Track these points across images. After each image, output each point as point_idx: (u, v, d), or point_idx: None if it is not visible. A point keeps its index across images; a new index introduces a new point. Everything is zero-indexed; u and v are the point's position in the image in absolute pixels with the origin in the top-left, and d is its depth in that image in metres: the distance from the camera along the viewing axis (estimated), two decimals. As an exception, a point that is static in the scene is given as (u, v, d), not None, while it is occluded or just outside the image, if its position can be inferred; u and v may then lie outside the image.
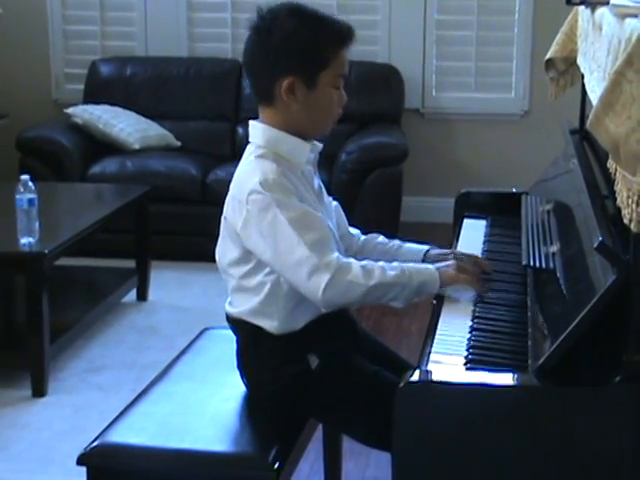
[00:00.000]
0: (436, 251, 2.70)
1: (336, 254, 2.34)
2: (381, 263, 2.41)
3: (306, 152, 2.45)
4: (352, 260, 2.36)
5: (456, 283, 2.48)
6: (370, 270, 2.35)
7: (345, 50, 2.45)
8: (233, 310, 2.53)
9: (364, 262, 2.38)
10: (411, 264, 2.48)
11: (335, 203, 2.70)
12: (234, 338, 2.60)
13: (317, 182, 2.55)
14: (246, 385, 2.56)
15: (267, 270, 2.40)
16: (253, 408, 2.54)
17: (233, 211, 2.40)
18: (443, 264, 2.51)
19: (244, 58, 2.48)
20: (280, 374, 2.44)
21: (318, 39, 2.39)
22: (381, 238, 2.75)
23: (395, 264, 2.42)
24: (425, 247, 2.72)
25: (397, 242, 2.73)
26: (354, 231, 2.76)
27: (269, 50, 2.39)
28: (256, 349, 2.49)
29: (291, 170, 2.41)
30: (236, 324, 2.54)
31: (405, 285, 2.38)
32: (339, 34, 2.43)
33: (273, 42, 2.38)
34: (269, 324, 2.44)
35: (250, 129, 2.49)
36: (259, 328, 2.46)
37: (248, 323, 2.48)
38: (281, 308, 2.42)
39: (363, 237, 2.75)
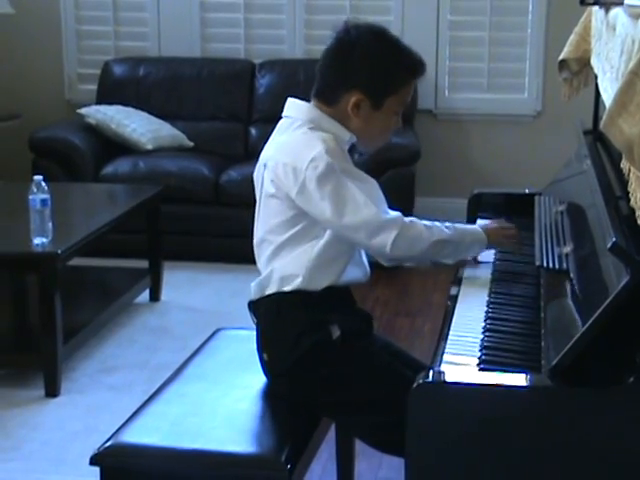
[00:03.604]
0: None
1: (398, 212, 2.49)
2: (437, 222, 2.58)
3: (345, 137, 2.54)
4: (414, 218, 2.53)
5: (499, 244, 2.76)
6: (431, 227, 2.55)
7: (415, 81, 2.58)
8: (263, 274, 2.57)
9: (424, 221, 2.54)
10: (459, 224, 2.67)
11: None
12: (247, 337, 2.61)
13: None
14: (265, 364, 2.59)
15: (315, 232, 2.50)
16: (267, 404, 2.55)
17: (286, 178, 2.47)
18: (483, 224, 2.77)
19: (321, 59, 2.57)
20: (302, 341, 2.48)
21: (395, 66, 2.53)
22: None
23: (447, 224, 2.60)
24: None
25: None
26: None
27: (347, 63, 2.52)
28: (279, 320, 2.53)
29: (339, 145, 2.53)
30: (258, 304, 2.58)
31: (459, 243, 2.61)
32: (414, 65, 2.57)
33: (353, 58, 2.51)
34: (296, 272, 2.50)
35: (289, 104, 2.59)
36: (282, 296, 2.51)
37: (272, 294, 2.53)
38: (312, 259, 2.49)
39: None
